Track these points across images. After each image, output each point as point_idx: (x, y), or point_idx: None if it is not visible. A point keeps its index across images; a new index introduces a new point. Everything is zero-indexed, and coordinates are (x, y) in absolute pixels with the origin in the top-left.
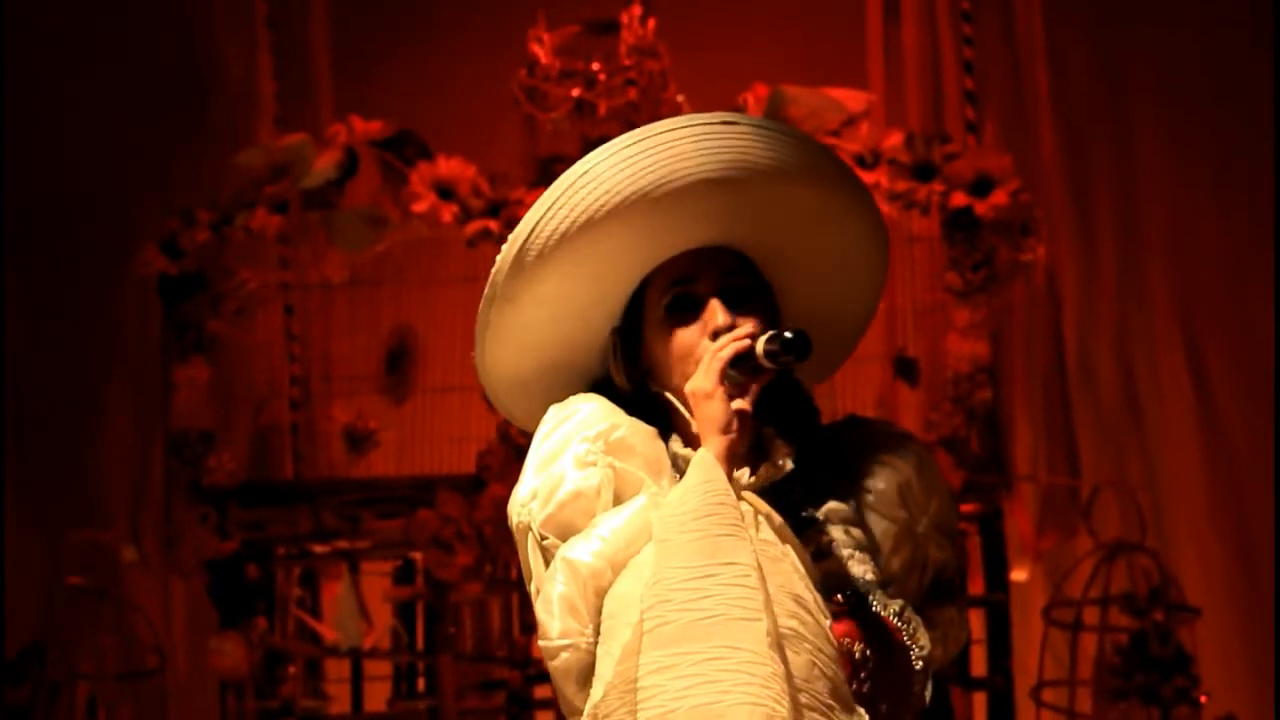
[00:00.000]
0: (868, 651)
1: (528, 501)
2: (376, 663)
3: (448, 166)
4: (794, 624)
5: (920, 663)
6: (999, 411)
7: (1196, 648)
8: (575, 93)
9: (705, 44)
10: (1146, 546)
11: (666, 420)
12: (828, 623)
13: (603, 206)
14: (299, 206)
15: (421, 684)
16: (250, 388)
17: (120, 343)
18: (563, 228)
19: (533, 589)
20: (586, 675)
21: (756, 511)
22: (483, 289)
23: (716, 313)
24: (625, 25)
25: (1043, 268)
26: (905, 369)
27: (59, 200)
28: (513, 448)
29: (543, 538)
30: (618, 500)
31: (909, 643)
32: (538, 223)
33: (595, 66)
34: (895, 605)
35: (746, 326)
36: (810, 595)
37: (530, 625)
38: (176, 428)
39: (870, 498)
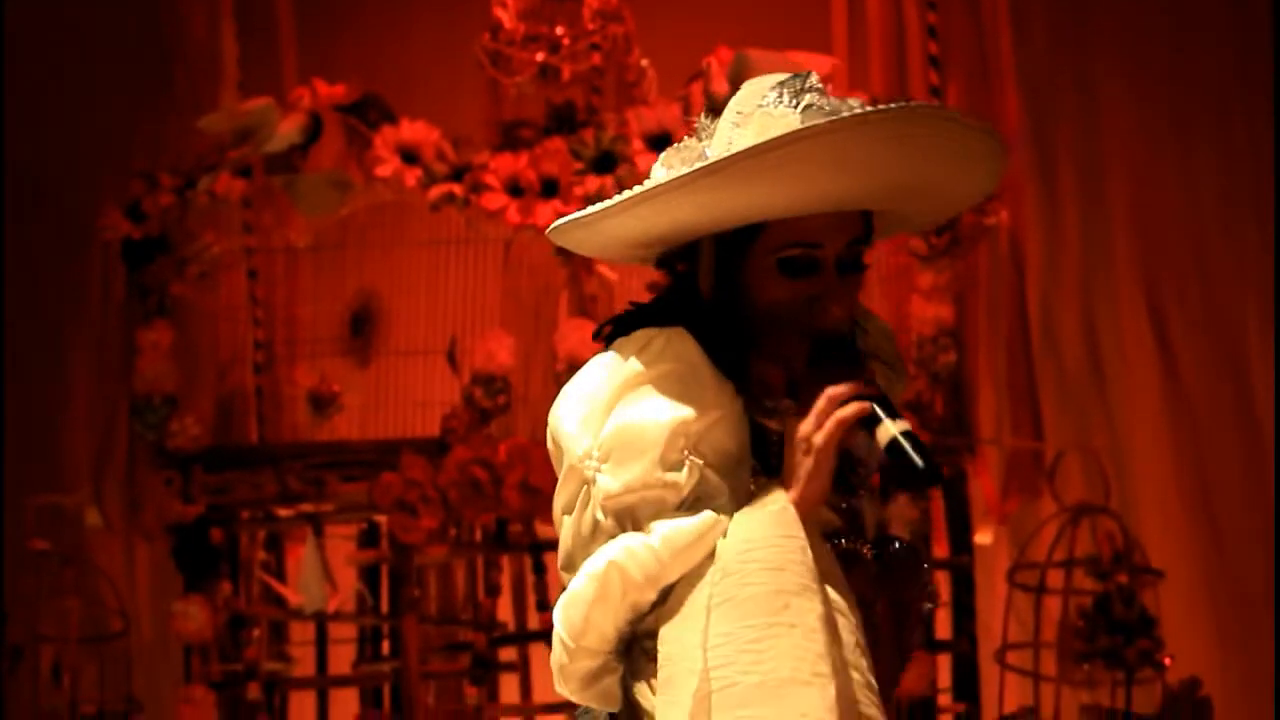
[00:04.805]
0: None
1: (591, 453)
2: (341, 626)
3: (411, 131)
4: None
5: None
6: (963, 375)
7: (1160, 610)
8: (539, 57)
9: (669, 8)
10: (1110, 509)
11: (738, 333)
12: (866, 663)
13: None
14: (263, 170)
15: (386, 647)
16: (214, 352)
17: (83, 306)
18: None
19: (566, 547)
20: (591, 679)
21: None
22: (445, 253)
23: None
24: None
25: (1006, 231)
26: None
27: (21, 165)
28: (477, 411)
29: (601, 515)
30: (695, 496)
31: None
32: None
33: (559, 31)
34: None
35: (848, 390)
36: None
37: (494, 588)
38: (140, 392)
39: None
